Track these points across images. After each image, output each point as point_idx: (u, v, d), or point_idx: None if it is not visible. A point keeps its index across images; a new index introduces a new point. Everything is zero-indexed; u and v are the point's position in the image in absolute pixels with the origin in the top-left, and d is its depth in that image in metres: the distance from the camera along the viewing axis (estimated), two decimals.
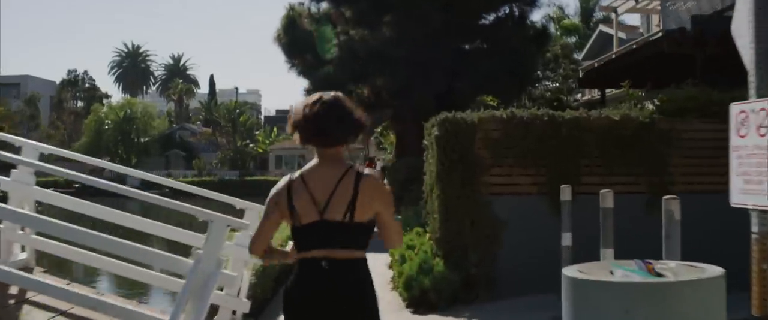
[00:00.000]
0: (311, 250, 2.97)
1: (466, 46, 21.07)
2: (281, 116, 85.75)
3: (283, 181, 3.08)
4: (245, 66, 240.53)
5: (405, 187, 14.55)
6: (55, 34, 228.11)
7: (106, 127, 61.94)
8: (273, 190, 3.09)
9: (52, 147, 5.72)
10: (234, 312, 5.88)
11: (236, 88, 73.64)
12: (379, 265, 10.33)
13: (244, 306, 5.94)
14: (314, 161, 3.07)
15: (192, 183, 28.53)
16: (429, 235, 9.16)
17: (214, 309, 5.52)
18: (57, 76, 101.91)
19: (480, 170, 8.33)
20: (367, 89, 19.58)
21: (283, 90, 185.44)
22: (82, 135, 61.07)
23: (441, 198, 8.39)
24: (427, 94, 17.53)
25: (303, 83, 22.15)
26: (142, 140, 63.53)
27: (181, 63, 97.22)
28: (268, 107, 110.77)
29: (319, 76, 19.58)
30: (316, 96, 3.06)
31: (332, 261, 2.92)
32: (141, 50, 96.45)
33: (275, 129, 67.17)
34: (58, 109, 62.70)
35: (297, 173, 3.06)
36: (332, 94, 3.07)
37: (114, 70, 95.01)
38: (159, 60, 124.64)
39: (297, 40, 20.81)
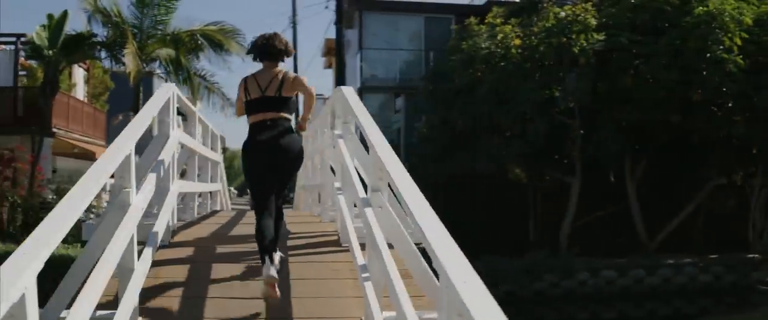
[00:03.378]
0: (257, 114, 5.18)
1: None
2: None
3: (242, 81, 5.34)
4: None
5: None
6: None
7: None
8: (239, 83, 5.38)
9: None
10: None
11: None
12: None
13: None
14: (260, 69, 5.35)
15: None
16: None
17: None
18: None
19: None
20: None
21: None
22: None
23: None
24: None
25: None
26: None
27: None
28: None
29: None
30: (262, 34, 5.40)
31: (272, 119, 5.14)
32: None
33: None
34: None
35: (249, 75, 5.33)
36: (273, 32, 5.46)
37: None
38: None
39: None
